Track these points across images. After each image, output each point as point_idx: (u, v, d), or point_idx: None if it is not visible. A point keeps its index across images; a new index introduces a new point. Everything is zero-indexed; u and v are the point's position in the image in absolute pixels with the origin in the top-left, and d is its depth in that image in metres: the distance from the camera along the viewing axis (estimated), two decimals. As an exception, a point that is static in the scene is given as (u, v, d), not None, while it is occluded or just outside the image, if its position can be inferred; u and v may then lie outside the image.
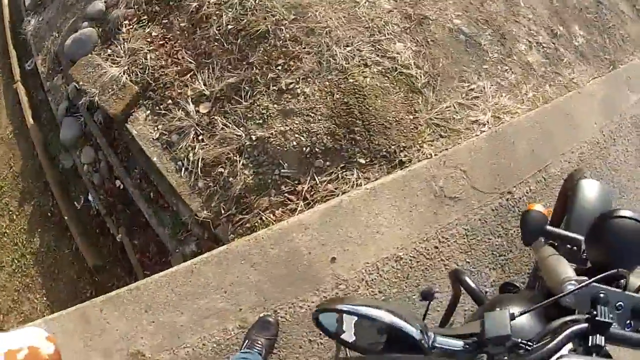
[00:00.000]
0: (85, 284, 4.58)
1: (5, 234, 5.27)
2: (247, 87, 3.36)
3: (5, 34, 6.67)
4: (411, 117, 3.24)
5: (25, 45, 6.42)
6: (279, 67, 3.37)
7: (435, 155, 3.19)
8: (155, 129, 3.50)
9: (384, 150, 3.14)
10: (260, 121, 3.23)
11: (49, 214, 5.08)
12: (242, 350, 2.56)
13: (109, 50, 4.23)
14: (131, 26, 4.19)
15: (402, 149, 3.16)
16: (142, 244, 3.98)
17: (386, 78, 3.34)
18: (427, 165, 3.18)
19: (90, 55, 4.34)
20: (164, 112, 3.52)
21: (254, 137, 3.19)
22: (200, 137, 3.31)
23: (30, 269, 4.97)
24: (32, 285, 4.87)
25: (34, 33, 6.08)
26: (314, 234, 2.93)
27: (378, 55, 3.42)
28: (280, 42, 3.48)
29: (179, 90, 3.51)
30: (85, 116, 4.20)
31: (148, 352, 2.89)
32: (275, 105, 3.24)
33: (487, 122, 3.35)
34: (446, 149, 3.24)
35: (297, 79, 3.29)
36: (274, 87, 3.30)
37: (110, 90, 3.79)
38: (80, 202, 4.88)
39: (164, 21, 4.03)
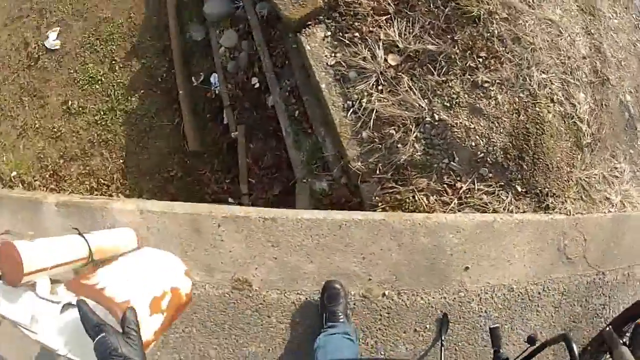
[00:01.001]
0: (174, 163, 4.33)
1: (100, 82, 4.95)
2: (443, 62, 3.25)
3: None
4: (568, 169, 3.36)
5: None
6: (480, 59, 3.30)
7: (572, 214, 3.33)
8: (333, 55, 3.27)
9: (539, 188, 3.24)
10: (448, 104, 3.15)
11: (159, 79, 4.75)
12: (327, 326, 2.50)
13: None
14: None
15: (552, 195, 3.28)
16: (258, 151, 3.76)
17: (563, 122, 3.41)
18: (564, 220, 3.34)
19: None
20: (347, 42, 3.28)
21: (436, 117, 3.11)
22: (380, 88, 3.14)
23: (116, 125, 4.72)
24: (112, 142, 4.65)
25: None
26: (462, 239, 2.97)
27: (563, 96, 3.47)
28: (488, 34, 3.40)
29: (371, 29, 3.30)
30: (245, 2, 3.73)
31: (256, 284, 2.79)
32: (466, 96, 3.18)
33: (615, 204, 3.56)
34: (581, 213, 3.41)
35: (493, 81, 3.25)
36: (470, 77, 3.24)
37: None
38: (198, 79, 4.59)
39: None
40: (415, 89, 3.16)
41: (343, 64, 3.24)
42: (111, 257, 2.50)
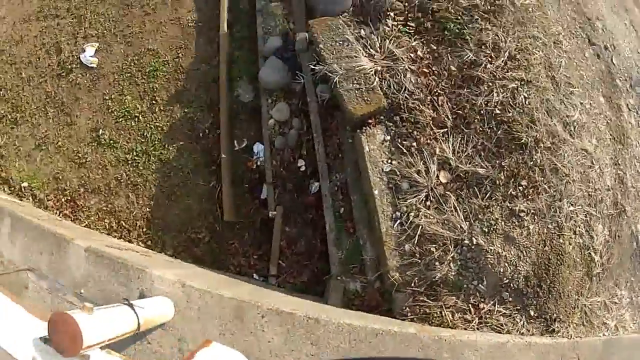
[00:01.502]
0: (203, 226, 4.35)
1: (136, 119, 4.82)
2: (488, 187, 3.55)
3: None
4: (576, 297, 3.73)
5: None
6: (521, 188, 3.61)
7: (572, 338, 3.70)
8: (389, 161, 3.51)
9: (549, 314, 3.60)
10: (486, 230, 3.45)
11: (201, 134, 4.71)
12: None
13: (362, 32, 3.97)
14: (396, 24, 3.95)
15: (559, 320, 3.64)
16: (293, 236, 3.94)
17: (580, 253, 3.76)
18: (565, 344, 3.71)
19: (339, 18, 4.01)
20: (404, 150, 3.51)
21: (474, 241, 3.42)
22: (428, 204, 3.40)
23: (148, 171, 4.65)
24: (141, 187, 4.58)
25: None
26: (479, 357, 3.28)
27: (585, 228, 3.81)
28: (531, 163, 3.71)
29: (428, 141, 3.53)
30: (306, 81, 3.97)
31: (289, 378, 3.04)
32: (503, 224, 3.49)
33: (610, 328, 3.96)
34: (579, 337, 3.78)
35: (529, 211, 3.56)
36: (509, 205, 3.54)
37: (356, 82, 3.69)
38: (241, 144, 4.62)
39: (432, 46, 3.93)
40: (460, 210, 3.43)
41: (397, 173, 3.48)
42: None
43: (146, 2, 5.49)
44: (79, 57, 5.25)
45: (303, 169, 4.18)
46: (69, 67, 5.24)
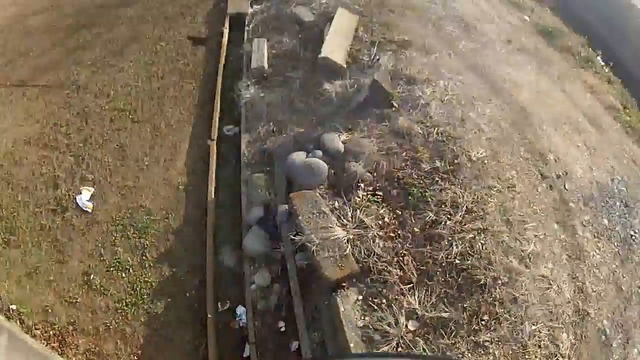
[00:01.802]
0: None
1: (127, 271, 5.21)
2: (453, 327, 4.25)
3: (215, 86, 7.17)
4: (551, 402, 4.36)
5: (233, 109, 7.04)
6: (483, 322, 4.30)
7: None
8: (363, 317, 4.22)
9: None
10: (454, 363, 4.19)
11: (187, 294, 5.16)
12: None
13: (336, 203, 4.86)
14: (366, 194, 4.85)
15: None
16: None
17: (546, 365, 4.40)
18: None
19: (316, 191, 4.93)
20: (375, 307, 4.27)
21: (445, 374, 4.16)
22: (399, 350, 4.20)
23: (136, 322, 4.93)
24: (129, 337, 4.84)
25: (249, 104, 6.57)
26: None
27: (549, 340, 4.44)
28: (491, 299, 4.39)
29: (396, 296, 4.33)
30: (286, 249, 4.74)
31: None
32: (469, 355, 4.19)
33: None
34: None
35: (492, 339, 4.26)
36: (473, 338, 4.24)
37: (331, 250, 4.40)
38: (224, 306, 5.06)
39: (397, 212, 4.76)
40: (428, 351, 4.21)
41: (370, 327, 4.13)
42: None
43: (141, 158, 6.24)
44: (75, 199, 5.74)
45: (283, 329, 4.65)
46: (65, 204, 5.71)
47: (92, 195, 5.80)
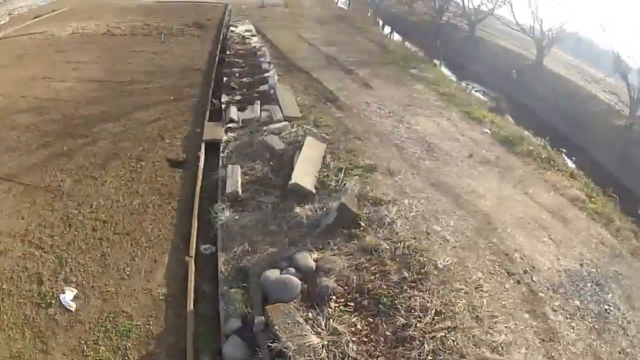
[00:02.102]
0: None
1: None
2: None
3: (193, 207, 7.76)
4: None
5: (210, 229, 7.59)
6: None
7: None
8: None
9: None
10: None
11: None
12: None
13: (310, 314, 5.23)
14: (338, 305, 5.17)
15: None
16: None
17: None
18: None
19: (290, 304, 5.27)
20: None
21: None
22: None
23: None
24: None
25: (225, 226, 7.21)
26: None
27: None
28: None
29: None
30: (264, 356, 5.02)
31: None
32: None
33: None
34: None
35: None
36: None
37: (307, 355, 4.80)
38: None
39: (369, 319, 5.14)
40: None
41: None
42: None
43: (122, 267, 6.55)
44: (59, 297, 5.94)
45: None
46: (49, 301, 5.90)
47: (75, 295, 6.03)
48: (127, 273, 6.51)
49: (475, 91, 17.98)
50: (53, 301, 5.94)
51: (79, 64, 15.68)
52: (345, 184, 7.63)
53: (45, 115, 11.38)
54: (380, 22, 30.69)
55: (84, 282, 6.29)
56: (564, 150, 10.59)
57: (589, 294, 6.13)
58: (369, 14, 31.12)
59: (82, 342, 5.54)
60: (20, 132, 10.42)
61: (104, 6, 32.75)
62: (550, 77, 17.89)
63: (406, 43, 24.57)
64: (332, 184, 7.70)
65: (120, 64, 15.14)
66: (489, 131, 11.11)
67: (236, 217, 7.23)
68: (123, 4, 27.37)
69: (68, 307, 5.86)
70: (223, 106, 11.06)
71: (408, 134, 9.73)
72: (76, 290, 6.13)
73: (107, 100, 12.07)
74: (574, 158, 10.43)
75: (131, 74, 13.86)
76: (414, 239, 6.43)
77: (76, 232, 7.15)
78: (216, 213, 7.43)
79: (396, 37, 27.67)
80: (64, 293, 6.03)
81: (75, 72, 14.83)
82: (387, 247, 6.26)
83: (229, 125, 9.97)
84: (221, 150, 9.22)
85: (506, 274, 6.13)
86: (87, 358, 5.40)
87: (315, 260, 6.02)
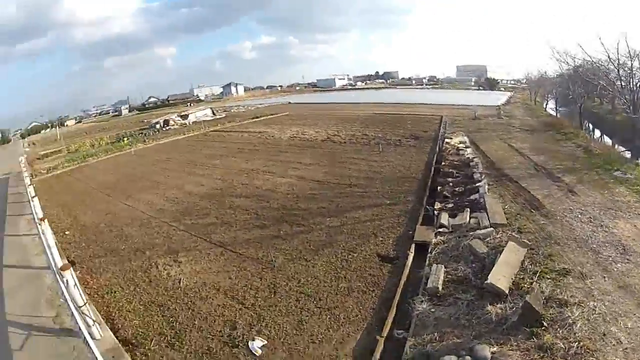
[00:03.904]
0: None
1: None
2: None
3: (394, 297, 8.04)
4: None
5: (406, 317, 7.68)
6: None
7: None
8: None
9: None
10: None
11: None
12: None
13: None
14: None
15: None
16: None
17: None
18: None
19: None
20: None
21: None
22: None
23: None
24: None
25: (420, 316, 7.43)
26: None
27: None
28: None
29: None
30: None
31: None
32: None
33: None
34: None
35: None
36: None
37: None
38: None
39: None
40: None
41: None
42: None
43: (315, 334, 6.81)
44: (248, 343, 6.48)
45: None
46: (237, 343, 6.51)
47: (263, 345, 6.53)
48: (319, 339, 6.79)
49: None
50: (241, 344, 6.53)
51: (300, 164, 18.35)
52: (535, 285, 7.75)
53: (264, 203, 13.41)
54: (586, 124, 28.97)
55: (275, 337, 6.76)
56: None
57: None
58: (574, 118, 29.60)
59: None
60: (239, 213, 12.46)
61: (322, 116, 38.29)
62: None
63: (610, 143, 22.84)
64: (526, 286, 7.85)
65: (339, 168, 17.09)
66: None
67: (432, 310, 7.54)
68: (341, 114, 31.59)
69: (253, 351, 6.39)
70: (435, 212, 11.75)
71: (605, 238, 9.13)
72: (266, 341, 6.61)
73: (325, 199, 13.50)
74: None
75: (350, 178, 15.43)
76: (589, 339, 6.26)
77: (279, 299, 7.83)
78: (414, 304, 7.64)
79: (604, 138, 25.56)
80: (253, 340, 6.59)
81: (295, 171, 17.31)
82: (562, 346, 6.20)
83: (439, 229, 10.51)
84: (429, 251, 9.60)
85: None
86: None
87: (492, 353, 6.13)
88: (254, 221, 12.03)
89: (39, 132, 69.84)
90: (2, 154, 55.45)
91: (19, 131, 72.89)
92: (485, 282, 7.63)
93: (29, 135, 67.72)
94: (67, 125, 77.04)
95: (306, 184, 15.38)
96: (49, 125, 73.38)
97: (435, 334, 6.99)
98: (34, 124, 76.38)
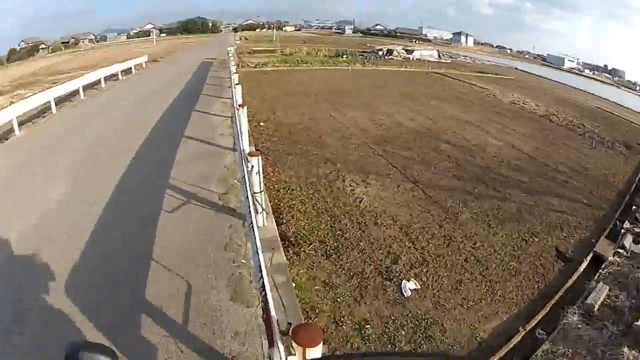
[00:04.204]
0: None
1: None
2: None
3: (558, 290, 7.47)
4: None
5: (553, 317, 7.07)
6: None
7: None
8: None
9: None
10: None
11: None
12: None
13: None
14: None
15: None
16: None
17: None
18: None
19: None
20: None
21: None
22: None
23: None
24: None
25: (564, 327, 6.69)
26: None
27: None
28: None
29: None
30: None
31: None
32: None
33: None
34: None
35: None
36: None
37: None
38: None
39: None
40: None
41: None
42: None
43: (471, 296, 6.66)
44: (402, 281, 6.61)
45: None
46: (390, 277, 6.69)
47: (415, 288, 6.61)
48: (468, 305, 6.62)
49: None
50: (394, 280, 6.65)
51: (514, 131, 17.78)
52: None
53: (468, 157, 13.37)
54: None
55: (430, 286, 6.77)
56: None
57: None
58: None
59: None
60: (441, 158, 12.62)
61: (546, 90, 37.14)
62: None
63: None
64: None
65: (550, 148, 16.28)
66: None
67: (579, 326, 7.01)
68: (562, 96, 28.66)
69: (403, 291, 6.45)
70: (622, 231, 10.60)
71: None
72: (419, 287, 6.64)
73: (527, 173, 12.99)
74: None
75: (557, 163, 14.53)
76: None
77: (450, 252, 7.85)
78: (566, 312, 7.15)
79: None
80: (408, 281, 6.63)
81: (507, 136, 16.82)
82: None
83: (619, 249, 9.58)
84: (601, 267, 8.95)
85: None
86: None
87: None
88: (454, 171, 11.92)
89: (254, 30, 75.78)
90: (211, 42, 62.32)
91: (231, 25, 78.89)
92: (635, 323, 6.66)
93: (242, 30, 73.73)
94: (285, 30, 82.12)
95: (514, 152, 14.82)
96: (266, 26, 79.03)
97: (570, 351, 6.39)
98: (249, 21, 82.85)
